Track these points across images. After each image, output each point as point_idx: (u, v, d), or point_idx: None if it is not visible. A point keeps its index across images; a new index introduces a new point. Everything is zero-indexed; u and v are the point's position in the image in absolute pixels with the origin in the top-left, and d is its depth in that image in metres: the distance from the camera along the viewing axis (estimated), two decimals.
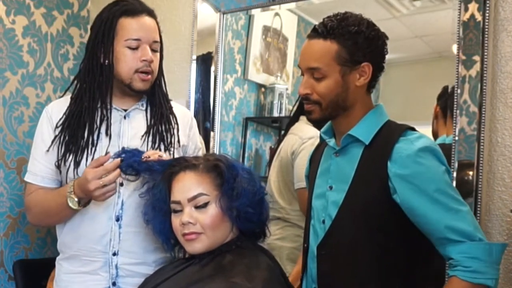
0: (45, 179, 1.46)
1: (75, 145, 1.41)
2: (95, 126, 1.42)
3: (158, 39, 1.44)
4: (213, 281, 1.19)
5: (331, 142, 1.34)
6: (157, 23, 1.45)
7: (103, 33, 1.39)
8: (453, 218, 1.15)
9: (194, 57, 2.16)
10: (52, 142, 1.43)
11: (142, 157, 1.33)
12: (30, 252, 2.27)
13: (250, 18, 2.20)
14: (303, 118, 1.93)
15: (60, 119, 1.45)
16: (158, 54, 1.45)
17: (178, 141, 1.50)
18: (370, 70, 1.25)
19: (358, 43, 1.23)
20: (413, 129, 1.27)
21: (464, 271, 1.13)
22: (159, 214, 1.34)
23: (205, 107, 2.14)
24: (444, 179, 1.18)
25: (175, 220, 1.29)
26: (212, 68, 2.13)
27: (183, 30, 2.22)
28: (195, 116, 2.12)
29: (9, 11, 2.20)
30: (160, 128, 1.46)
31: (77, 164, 1.40)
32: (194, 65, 2.16)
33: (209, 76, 2.14)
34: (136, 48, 1.39)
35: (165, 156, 1.37)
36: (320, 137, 1.40)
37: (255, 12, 2.13)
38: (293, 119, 1.98)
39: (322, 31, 1.25)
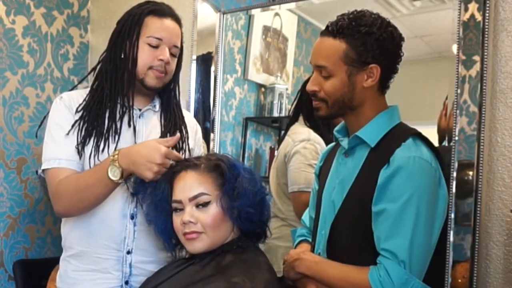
0: (74, 162, 1.39)
1: (97, 130, 1.41)
2: (117, 116, 1.43)
3: (179, 45, 1.47)
4: (213, 281, 1.19)
5: (343, 141, 1.34)
6: (181, 32, 1.49)
7: (129, 27, 1.42)
8: (397, 244, 1.16)
9: (194, 57, 2.16)
10: (73, 126, 1.41)
11: None
12: (30, 252, 2.27)
13: (250, 18, 2.20)
14: (301, 119, 1.94)
15: (80, 104, 1.45)
16: (175, 60, 1.48)
17: (189, 149, 1.53)
18: (378, 72, 1.24)
19: (367, 44, 1.22)
20: (419, 134, 1.26)
21: (376, 274, 1.16)
22: (161, 213, 1.34)
23: (205, 107, 2.14)
24: (425, 197, 1.18)
25: (176, 220, 1.29)
26: (212, 68, 2.13)
27: (183, 30, 2.22)
28: (195, 116, 2.12)
29: (9, 11, 2.20)
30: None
31: (97, 148, 1.39)
32: (194, 65, 2.16)
33: (209, 76, 2.14)
34: (156, 47, 1.42)
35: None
36: (334, 135, 1.40)
37: (255, 12, 2.13)
38: (292, 120, 1.98)
39: (332, 29, 1.24)
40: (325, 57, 1.24)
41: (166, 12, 1.45)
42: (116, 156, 1.31)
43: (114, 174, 1.30)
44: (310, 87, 1.28)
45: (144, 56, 1.41)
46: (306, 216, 1.53)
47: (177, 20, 1.48)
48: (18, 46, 2.24)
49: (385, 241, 1.17)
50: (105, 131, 1.41)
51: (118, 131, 1.42)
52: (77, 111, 1.43)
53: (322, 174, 1.44)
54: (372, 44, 1.22)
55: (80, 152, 1.40)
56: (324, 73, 1.25)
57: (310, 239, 1.46)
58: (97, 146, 1.40)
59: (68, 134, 1.40)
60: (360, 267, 1.20)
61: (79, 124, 1.42)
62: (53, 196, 1.40)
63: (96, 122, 1.42)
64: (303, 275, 1.30)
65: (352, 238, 1.25)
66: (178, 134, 1.38)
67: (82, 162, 1.41)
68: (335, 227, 1.28)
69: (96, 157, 1.39)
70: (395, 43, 1.26)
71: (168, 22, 1.44)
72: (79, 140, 1.40)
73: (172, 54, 1.45)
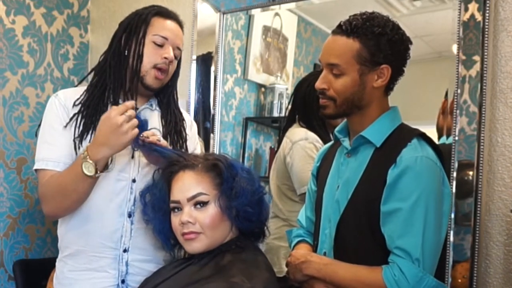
0: (61, 163, 1.39)
1: (95, 125, 1.40)
2: None
3: (181, 48, 1.50)
4: (212, 281, 1.19)
5: (345, 142, 1.35)
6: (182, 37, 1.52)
7: (136, 25, 1.45)
8: (411, 243, 1.17)
9: (194, 57, 2.16)
10: (70, 119, 1.42)
11: (140, 136, 1.33)
12: (30, 252, 2.27)
13: (250, 18, 2.20)
14: (298, 120, 1.93)
15: (77, 99, 1.45)
16: (176, 62, 1.50)
17: (186, 149, 1.53)
18: (389, 73, 1.26)
19: (380, 45, 1.23)
20: (423, 134, 1.27)
21: (391, 273, 1.16)
22: (158, 213, 1.34)
23: (205, 107, 2.14)
24: (433, 196, 1.19)
25: (175, 220, 1.29)
26: (212, 68, 2.13)
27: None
28: (195, 116, 2.13)
29: (9, 11, 2.20)
30: (173, 138, 1.50)
31: None
32: (194, 65, 2.16)
33: (209, 76, 2.14)
34: (160, 46, 1.44)
35: (163, 141, 1.37)
36: (335, 135, 1.41)
37: (255, 12, 2.13)
38: (288, 122, 1.98)
39: (346, 28, 1.25)
40: (338, 55, 1.25)
41: (171, 14, 1.50)
42: (85, 152, 1.30)
43: (88, 170, 1.29)
44: (319, 85, 1.29)
45: (150, 54, 1.43)
46: (302, 216, 1.53)
47: (180, 24, 1.51)
48: (18, 46, 2.24)
49: (397, 240, 1.18)
50: None
51: None
52: (74, 105, 1.44)
53: (320, 174, 1.44)
54: (385, 45, 1.24)
55: (77, 146, 1.40)
56: (335, 71, 1.26)
57: (308, 239, 1.46)
58: None
59: (65, 126, 1.41)
60: (372, 267, 1.21)
61: (76, 119, 1.42)
62: (40, 198, 1.41)
63: (94, 117, 1.42)
64: (311, 277, 1.30)
65: (359, 237, 1.26)
66: (132, 102, 1.33)
67: (73, 158, 1.40)
68: (341, 226, 1.28)
69: None
70: (405, 45, 1.28)
71: (174, 24, 1.48)
72: (76, 134, 1.41)
73: (174, 55, 1.46)
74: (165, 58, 1.43)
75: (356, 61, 1.24)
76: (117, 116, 1.27)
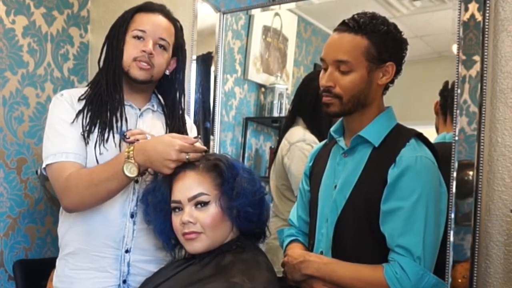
0: (81, 156, 1.38)
1: (101, 120, 1.42)
2: (118, 108, 1.45)
3: (167, 38, 1.48)
4: (213, 281, 1.19)
5: (341, 141, 1.35)
6: (175, 27, 1.51)
7: (120, 24, 1.47)
8: (412, 241, 1.18)
9: (194, 57, 2.15)
10: (77, 114, 1.42)
11: (127, 139, 1.36)
12: (30, 252, 2.27)
13: (250, 18, 2.20)
14: (300, 121, 1.93)
15: (82, 94, 1.46)
16: (165, 54, 1.48)
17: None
18: (393, 70, 1.28)
19: (386, 42, 1.25)
20: (420, 135, 1.28)
21: (392, 271, 1.17)
22: (160, 214, 1.34)
23: (205, 107, 2.14)
24: (432, 195, 1.21)
25: (176, 220, 1.29)
26: (212, 68, 2.12)
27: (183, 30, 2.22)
28: (195, 116, 2.13)
29: (9, 11, 2.20)
30: None
31: (102, 137, 1.40)
32: (194, 65, 2.16)
33: (209, 76, 2.13)
34: (141, 40, 1.44)
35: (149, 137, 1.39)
36: (330, 135, 1.41)
37: (255, 12, 2.13)
38: (288, 122, 1.97)
39: (353, 25, 1.26)
40: (347, 52, 1.25)
41: (155, 8, 1.49)
42: (131, 152, 1.30)
43: (130, 171, 1.30)
44: (324, 82, 1.29)
45: (129, 48, 1.44)
46: (293, 216, 1.54)
47: (167, 15, 1.50)
48: (18, 46, 2.24)
49: (398, 238, 1.19)
50: (108, 121, 1.42)
51: (120, 122, 1.44)
52: (79, 100, 1.45)
53: (314, 174, 1.44)
54: (390, 43, 1.26)
55: (86, 139, 1.40)
56: (343, 68, 1.26)
57: (300, 239, 1.47)
58: (102, 135, 1.40)
59: (73, 122, 1.40)
60: (372, 265, 1.22)
61: (83, 113, 1.43)
62: (62, 191, 1.38)
63: (99, 112, 1.43)
64: (309, 276, 1.30)
65: (358, 236, 1.27)
66: (197, 139, 1.35)
67: (85, 151, 1.40)
68: (339, 226, 1.29)
69: (102, 145, 1.39)
70: (405, 44, 1.30)
71: (155, 16, 1.47)
72: (84, 127, 1.41)
73: (161, 46, 1.46)
74: (143, 51, 1.42)
75: (365, 58, 1.25)
76: (177, 152, 1.27)
